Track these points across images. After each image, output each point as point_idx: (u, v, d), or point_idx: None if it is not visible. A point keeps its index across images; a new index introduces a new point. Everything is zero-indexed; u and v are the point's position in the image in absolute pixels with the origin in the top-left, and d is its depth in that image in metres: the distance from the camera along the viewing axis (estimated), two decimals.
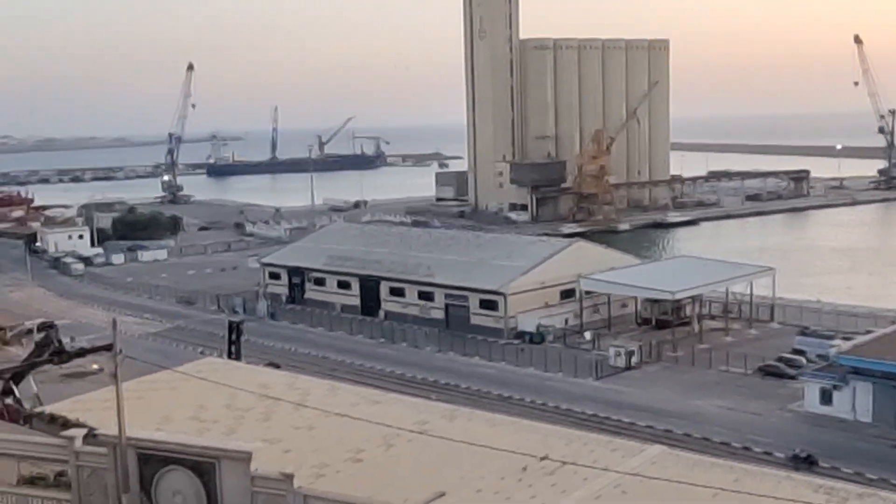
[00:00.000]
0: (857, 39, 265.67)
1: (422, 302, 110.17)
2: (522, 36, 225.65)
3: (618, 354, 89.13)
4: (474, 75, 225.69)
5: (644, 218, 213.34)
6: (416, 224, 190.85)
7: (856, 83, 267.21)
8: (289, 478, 33.66)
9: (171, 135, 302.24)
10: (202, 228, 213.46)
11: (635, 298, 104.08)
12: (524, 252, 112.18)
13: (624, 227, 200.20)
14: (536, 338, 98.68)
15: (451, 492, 33.69)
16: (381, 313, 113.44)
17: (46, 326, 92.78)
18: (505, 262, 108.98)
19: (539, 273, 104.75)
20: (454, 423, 43.26)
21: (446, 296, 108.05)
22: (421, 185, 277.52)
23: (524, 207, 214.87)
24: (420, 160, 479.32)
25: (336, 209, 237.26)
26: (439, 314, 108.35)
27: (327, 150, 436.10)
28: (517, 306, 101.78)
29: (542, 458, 36.47)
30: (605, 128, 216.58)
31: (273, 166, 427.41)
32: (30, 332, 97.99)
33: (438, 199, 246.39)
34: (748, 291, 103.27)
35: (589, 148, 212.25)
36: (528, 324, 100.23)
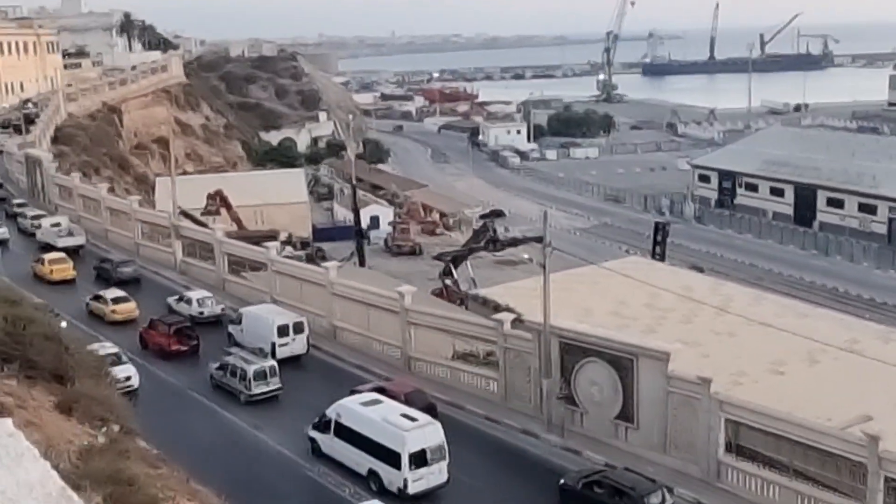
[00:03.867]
0: None
1: (862, 214, 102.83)
2: None
3: None
4: None
5: None
6: (861, 130, 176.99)
7: None
8: (706, 382, 33.38)
9: (608, 33, 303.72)
10: (634, 128, 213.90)
11: None
12: None
13: None
14: None
15: (878, 417, 31.55)
16: (816, 224, 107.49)
17: (495, 214, 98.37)
18: None
19: None
20: (889, 346, 40.36)
21: (891, 209, 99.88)
22: (872, 88, 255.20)
23: None
24: (872, 60, 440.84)
25: (774, 112, 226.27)
26: (881, 228, 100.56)
27: (769, 49, 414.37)
28: None
29: None
30: None
31: (710, 66, 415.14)
32: (479, 218, 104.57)
33: (891, 104, 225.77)
34: None
35: None
36: None
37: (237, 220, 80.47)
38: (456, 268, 69.43)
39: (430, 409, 36.59)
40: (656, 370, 34.73)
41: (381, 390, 37.52)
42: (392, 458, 32.27)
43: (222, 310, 51.60)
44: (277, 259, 54.62)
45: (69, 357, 25.21)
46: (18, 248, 66.33)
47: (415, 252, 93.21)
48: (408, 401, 36.40)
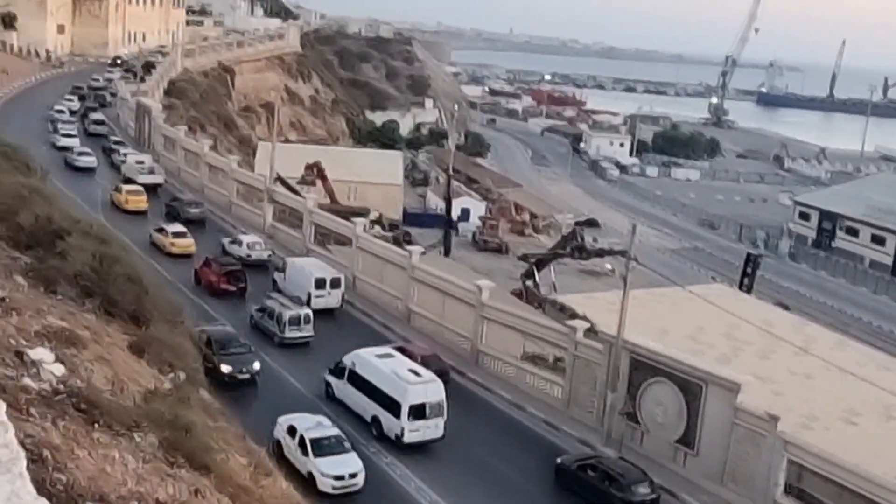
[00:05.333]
0: None
1: None
2: None
3: None
4: None
5: None
6: None
7: None
8: (774, 419, 32.70)
9: (727, 57, 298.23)
10: (739, 156, 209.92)
11: None
12: None
13: None
14: None
15: None
16: None
17: (589, 223, 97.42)
18: None
19: None
20: None
21: None
22: None
23: None
24: None
25: (888, 158, 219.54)
26: None
27: (892, 94, 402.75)
28: None
29: None
30: None
31: (828, 104, 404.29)
32: (571, 224, 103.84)
33: None
34: None
35: None
36: None
37: (331, 194, 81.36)
38: (539, 271, 69.07)
39: (442, 374, 38.30)
40: (724, 400, 34.11)
41: (401, 350, 39.81)
42: (394, 408, 34.50)
43: (269, 255, 55.82)
44: (363, 236, 55.09)
45: (148, 300, 25.85)
46: (103, 179, 71.69)
47: (500, 250, 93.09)
48: (423, 362, 38.41)
